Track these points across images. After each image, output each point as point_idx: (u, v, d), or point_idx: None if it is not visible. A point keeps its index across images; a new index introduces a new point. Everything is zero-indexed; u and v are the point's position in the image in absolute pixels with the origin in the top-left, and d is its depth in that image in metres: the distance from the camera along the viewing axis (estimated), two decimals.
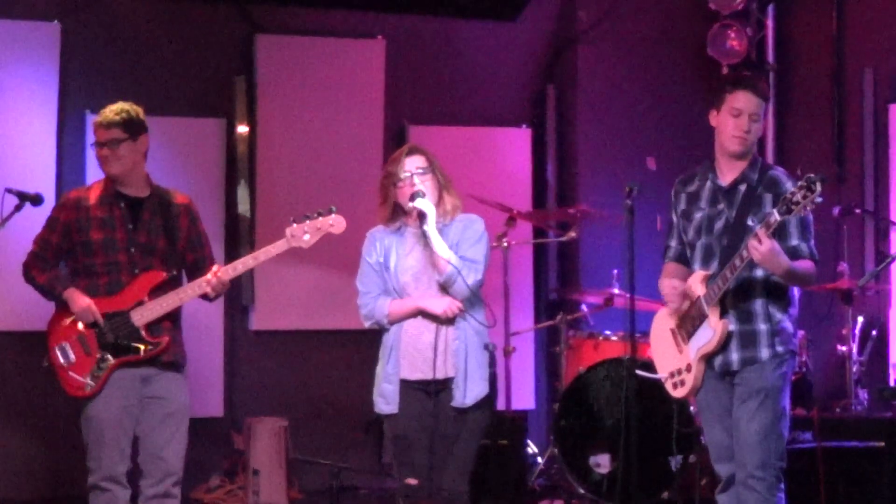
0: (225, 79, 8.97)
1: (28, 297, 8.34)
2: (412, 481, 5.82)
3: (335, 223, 6.12)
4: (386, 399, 5.91)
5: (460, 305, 5.84)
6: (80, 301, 6.05)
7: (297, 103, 9.03)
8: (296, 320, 9.03)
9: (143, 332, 6.06)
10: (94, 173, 8.48)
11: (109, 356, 6.04)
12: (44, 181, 8.15)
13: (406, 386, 5.87)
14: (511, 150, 9.55)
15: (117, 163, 6.11)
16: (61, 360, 6.06)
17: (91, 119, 8.48)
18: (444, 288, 5.84)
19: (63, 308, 6.12)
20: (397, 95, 9.25)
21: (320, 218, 6.13)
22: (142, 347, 6.06)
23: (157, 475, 6.09)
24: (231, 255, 8.74)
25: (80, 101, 8.58)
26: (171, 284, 6.15)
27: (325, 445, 8.84)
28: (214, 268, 6.14)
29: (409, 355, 5.88)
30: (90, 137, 6.27)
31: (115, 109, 6.15)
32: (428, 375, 5.83)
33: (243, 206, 8.96)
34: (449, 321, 5.84)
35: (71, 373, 6.04)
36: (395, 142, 9.17)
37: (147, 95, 8.64)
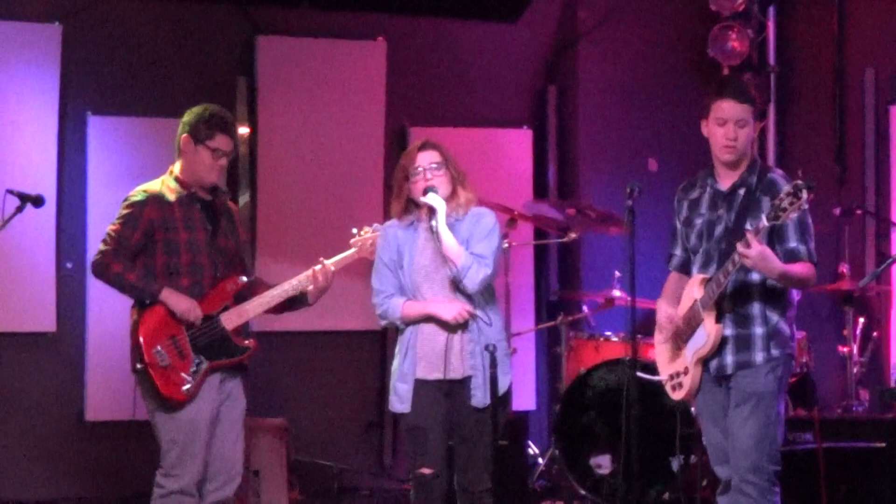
0: (226, 80, 8.96)
1: (28, 297, 8.40)
2: (426, 471, 5.83)
3: None
4: (400, 398, 5.92)
5: (471, 310, 5.84)
6: (184, 300, 5.92)
7: (299, 105, 9.03)
8: (296, 321, 8.94)
9: (232, 337, 6.01)
10: (94, 174, 8.53)
11: (204, 359, 5.95)
12: (45, 182, 8.15)
13: (421, 385, 5.88)
14: (512, 151, 9.54)
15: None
16: (159, 362, 5.90)
17: (92, 120, 8.56)
18: (456, 284, 5.85)
19: (148, 310, 5.94)
20: (398, 97, 9.24)
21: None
22: (235, 352, 6.01)
23: (223, 478, 6.03)
24: None
25: (81, 102, 8.58)
26: (248, 289, 6.10)
27: (326, 446, 8.84)
28: (320, 265, 6.08)
29: (426, 355, 5.89)
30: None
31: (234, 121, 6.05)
32: (442, 376, 5.84)
33: (245, 207, 8.95)
34: (462, 324, 5.85)
35: (173, 373, 5.89)
36: (396, 143, 9.17)
37: (148, 97, 8.69)
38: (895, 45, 9.00)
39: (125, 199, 6.03)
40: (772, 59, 9.46)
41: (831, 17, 9.26)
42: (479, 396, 5.85)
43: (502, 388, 5.89)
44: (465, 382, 5.87)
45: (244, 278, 6.10)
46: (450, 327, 5.86)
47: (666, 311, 5.71)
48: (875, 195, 9.02)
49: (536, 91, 9.73)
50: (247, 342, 6.08)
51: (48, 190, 8.08)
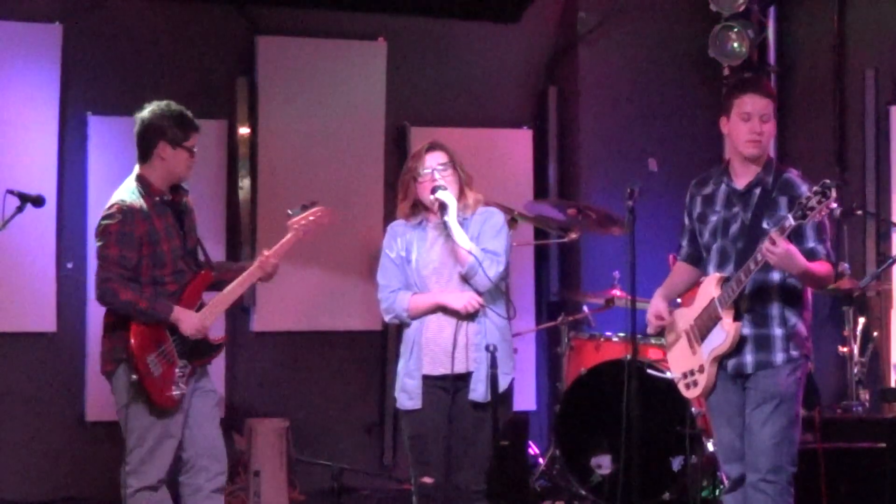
0: (226, 80, 8.97)
1: (28, 297, 8.40)
2: (428, 480, 5.82)
3: (324, 213, 6.18)
4: (409, 395, 5.92)
5: (480, 300, 5.85)
6: (194, 320, 5.96)
7: (299, 105, 9.03)
8: (296, 321, 9.03)
9: (208, 336, 6.07)
10: (94, 174, 8.52)
11: (187, 363, 6.00)
12: (45, 182, 8.15)
13: (428, 382, 5.88)
14: (512, 151, 9.54)
15: None
16: (153, 371, 5.91)
17: (92, 120, 8.57)
18: (466, 280, 5.85)
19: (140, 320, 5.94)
20: (398, 97, 9.24)
21: (310, 209, 6.19)
22: (210, 350, 6.09)
23: (215, 469, 6.06)
24: (231, 257, 8.74)
25: (81, 102, 8.59)
26: (219, 280, 6.16)
27: (326, 446, 8.84)
28: (266, 252, 6.12)
29: (431, 351, 5.89)
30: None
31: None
32: (448, 370, 5.83)
33: (245, 208, 8.95)
34: (469, 316, 5.85)
35: (162, 381, 5.91)
36: (397, 143, 9.18)
37: (148, 97, 8.59)
38: (895, 45, 9.00)
39: (108, 218, 5.96)
40: (772, 60, 9.45)
41: (832, 18, 9.25)
42: (481, 391, 5.85)
43: (502, 387, 5.88)
44: (466, 377, 5.86)
45: (213, 274, 6.15)
46: (457, 320, 5.85)
47: (656, 306, 5.73)
48: (875, 195, 9.02)
49: (537, 91, 9.73)
50: (217, 339, 6.17)
51: (48, 190, 8.08)
